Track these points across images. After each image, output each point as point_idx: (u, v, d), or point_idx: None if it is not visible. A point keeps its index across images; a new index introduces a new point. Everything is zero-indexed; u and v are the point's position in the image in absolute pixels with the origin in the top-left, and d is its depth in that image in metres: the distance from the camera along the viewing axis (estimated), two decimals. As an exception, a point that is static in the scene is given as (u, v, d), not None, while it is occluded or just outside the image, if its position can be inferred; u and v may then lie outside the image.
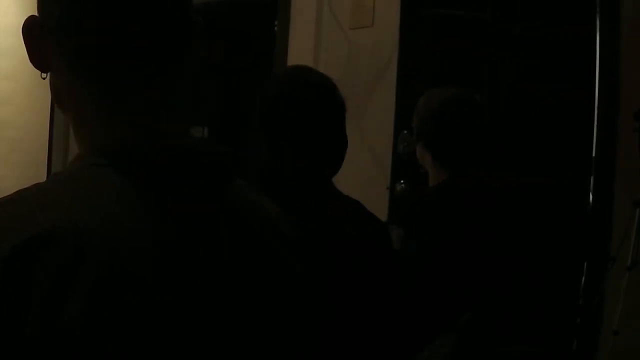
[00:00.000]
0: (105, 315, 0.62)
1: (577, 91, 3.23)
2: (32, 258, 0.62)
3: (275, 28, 4.46)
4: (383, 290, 1.60)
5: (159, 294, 0.67)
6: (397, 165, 3.55)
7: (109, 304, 0.63)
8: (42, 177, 0.72)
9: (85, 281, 0.62)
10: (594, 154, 3.16)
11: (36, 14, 0.80)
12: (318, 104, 1.61)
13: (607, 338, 2.80)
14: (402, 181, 3.21)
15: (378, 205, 3.77)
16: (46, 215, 0.65)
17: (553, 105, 3.30)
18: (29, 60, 0.81)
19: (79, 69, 0.77)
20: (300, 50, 4.11)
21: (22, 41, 0.80)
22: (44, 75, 0.81)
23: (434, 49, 3.58)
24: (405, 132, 3.04)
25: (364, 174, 3.73)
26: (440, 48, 3.58)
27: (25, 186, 0.71)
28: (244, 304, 0.75)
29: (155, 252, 0.68)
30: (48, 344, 0.60)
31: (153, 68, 0.77)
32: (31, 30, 0.79)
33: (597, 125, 3.14)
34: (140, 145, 0.74)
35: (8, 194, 0.70)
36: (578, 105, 3.23)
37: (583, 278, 3.09)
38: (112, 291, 0.63)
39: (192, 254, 0.72)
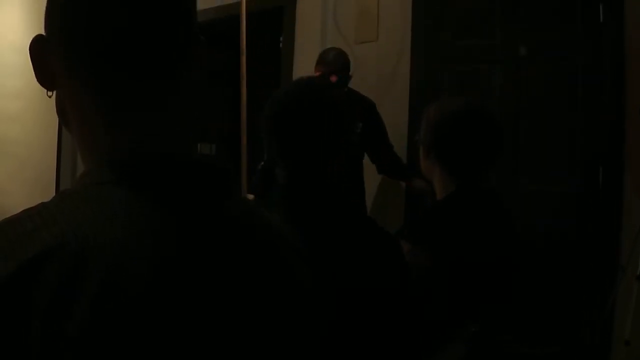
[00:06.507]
0: (108, 329, 0.63)
1: (581, 104, 3.24)
2: (37, 274, 0.63)
3: (281, 44, 4.47)
4: (393, 303, 1.60)
5: (162, 305, 0.67)
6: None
7: (112, 317, 0.63)
8: (50, 194, 0.73)
9: (88, 295, 0.63)
10: (602, 165, 3.16)
11: (43, 32, 0.81)
12: (322, 109, 1.61)
13: (619, 348, 2.79)
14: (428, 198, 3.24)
15: (393, 213, 3.78)
16: (51, 232, 0.66)
17: (559, 117, 3.30)
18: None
19: (81, 83, 0.78)
20: (305, 64, 4.13)
21: (30, 59, 0.81)
22: (49, 93, 0.82)
23: (446, 69, 3.66)
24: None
25: (374, 186, 3.74)
26: (453, 70, 3.65)
27: (34, 202, 0.72)
28: (247, 312, 0.75)
29: (158, 264, 0.69)
30: (52, 359, 0.61)
31: (155, 82, 0.78)
32: (37, 47, 0.80)
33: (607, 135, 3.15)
34: (144, 160, 0.75)
35: (16, 210, 0.71)
36: (584, 117, 3.23)
37: (593, 288, 3.08)
38: (115, 305, 0.64)
39: (194, 265, 0.72)
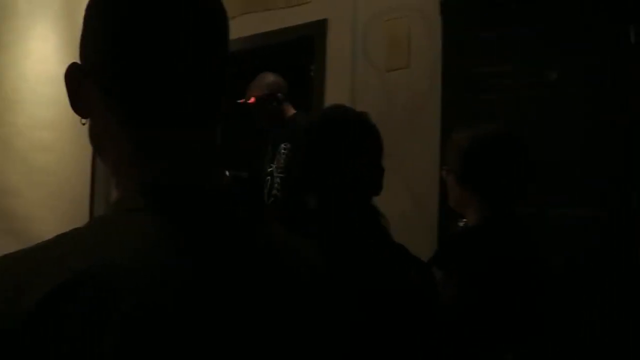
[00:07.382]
0: (140, 348, 0.63)
1: (611, 128, 3.21)
2: (63, 302, 0.62)
3: (312, 73, 4.50)
4: (425, 331, 1.59)
5: (193, 326, 0.67)
6: (443, 205, 3.56)
7: (141, 344, 0.63)
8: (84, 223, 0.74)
9: (117, 321, 0.62)
10: (634, 184, 3.11)
11: (77, 61, 0.82)
12: (356, 132, 1.63)
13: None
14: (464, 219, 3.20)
15: (421, 243, 3.75)
16: (77, 259, 0.66)
17: (589, 147, 3.27)
18: (70, 108, 0.82)
19: (115, 111, 0.78)
20: (337, 93, 4.14)
21: (63, 90, 0.81)
22: (83, 121, 0.83)
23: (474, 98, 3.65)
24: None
25: (405, 214, 3.72)
26: (485, 97, 3.65)
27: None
28: (277, 335, 0.75)
29: (188, 291, 0.69)
30: None
31: (189, 110, 0.79)
32: (72, 76, 0.81)
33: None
34: (174, 189, 0.75)
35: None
36: (607, 143, 3.20)
37: (625, 316, 3.02)
38: (144, 332, 0.64)
39: (222, 287, 0.72)
